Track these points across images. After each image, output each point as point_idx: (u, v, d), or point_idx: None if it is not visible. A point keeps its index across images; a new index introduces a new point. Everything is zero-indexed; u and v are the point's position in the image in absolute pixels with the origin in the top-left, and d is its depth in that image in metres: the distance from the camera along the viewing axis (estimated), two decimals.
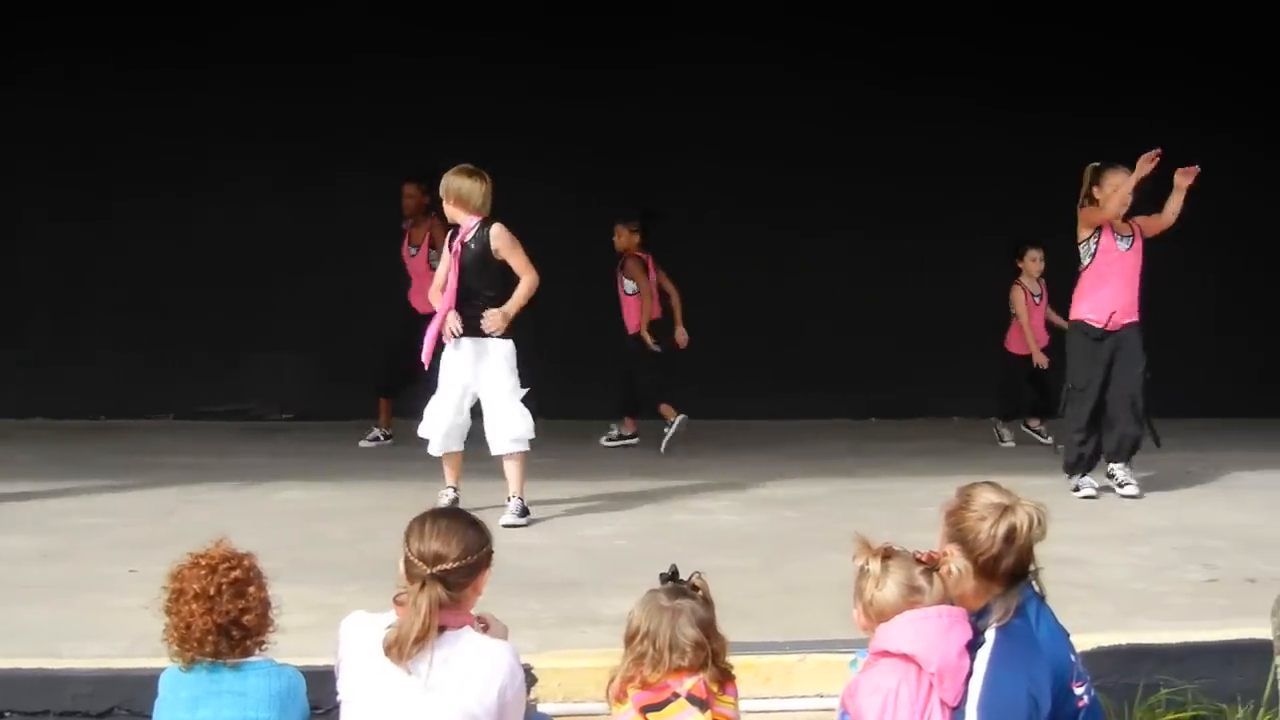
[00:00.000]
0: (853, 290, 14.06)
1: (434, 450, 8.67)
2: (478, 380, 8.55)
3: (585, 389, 12.52)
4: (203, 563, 4.03)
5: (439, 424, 8.59)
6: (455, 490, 8.65)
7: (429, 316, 8.79)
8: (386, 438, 11.78)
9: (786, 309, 14.10)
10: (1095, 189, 9.61)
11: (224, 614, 3.98)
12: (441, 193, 8.62)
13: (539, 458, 10.82)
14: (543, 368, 10.88)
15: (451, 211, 8.58)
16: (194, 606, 3.97)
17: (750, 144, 13.82)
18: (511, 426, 8.55)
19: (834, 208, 14.04)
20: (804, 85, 13.88)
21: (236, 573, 4.03)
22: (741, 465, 10.72)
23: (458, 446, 8.72)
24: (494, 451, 8.59)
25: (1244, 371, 13.65)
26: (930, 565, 4.01)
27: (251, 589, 4.04)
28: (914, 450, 11.73)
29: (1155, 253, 9.89)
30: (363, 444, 11.73)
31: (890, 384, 13.76)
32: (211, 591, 3.97)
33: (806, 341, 13.93)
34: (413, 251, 11.71)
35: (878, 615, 3.98)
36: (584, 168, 13.42)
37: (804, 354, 13.85)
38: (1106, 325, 9.62)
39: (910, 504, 7.96)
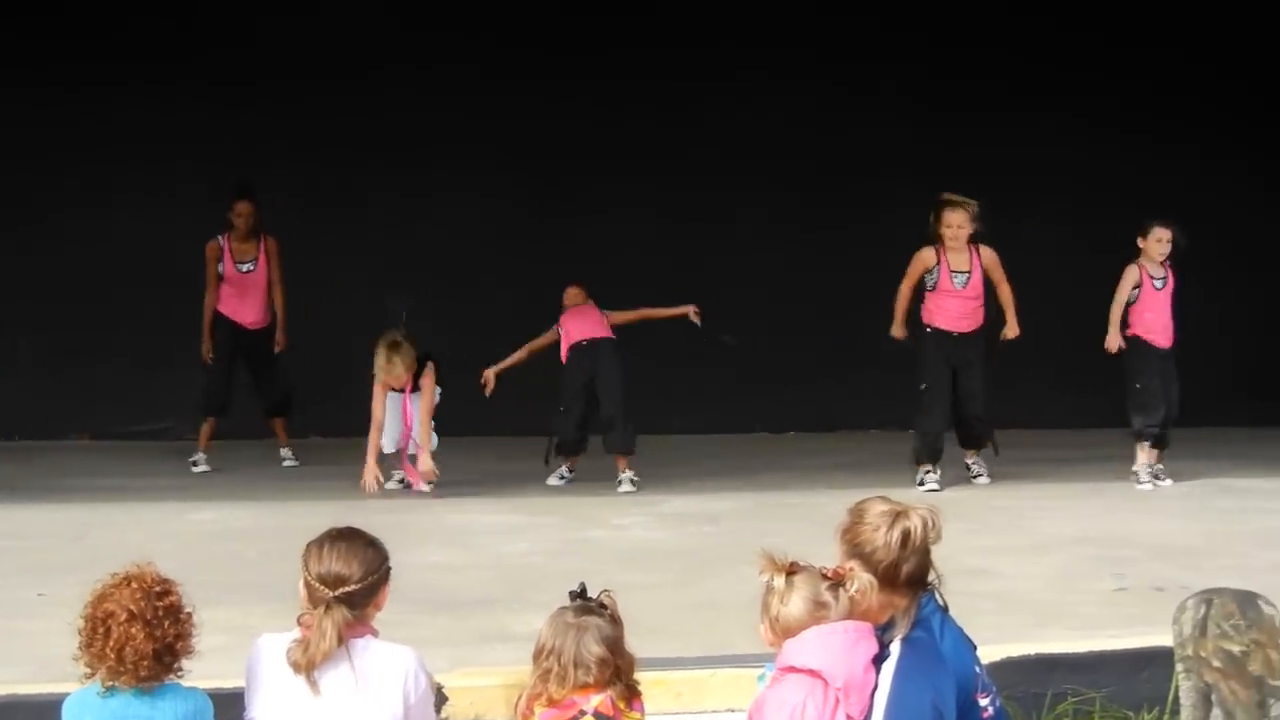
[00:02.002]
0: (771, 305, 14.12)
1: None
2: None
3: (509, 406, 12.52)
4: (135, 585, 3.96)
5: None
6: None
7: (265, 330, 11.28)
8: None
9: (707, 321, 14.11)
10: (937, 224, 10.52)
11: (161, 638, 3.93)
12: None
13: (458, 476, 10.88)
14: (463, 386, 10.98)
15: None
16: (133, 629, 3.90)
17: (673, 157, 13.86)
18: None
19: (752, 221, 14.11)
20: (722, 103, 13.96)
21: (172, 596, 3.99)
22: (658, 480, 10.71)
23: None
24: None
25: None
26: (836, 581, 4.02)
27: (184, 614, 4.01)
28: (832, 464, 11.76)
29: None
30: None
31: (809, 397, 13.81)
32: (149, 615, 3.92)
33: (725, 355, 13.95)
34: (248, 268, 11.49)
35: (784, 631, 3.99)
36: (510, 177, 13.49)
37: (722, 368, 13.88)
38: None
39: (827, 518, 7.89)
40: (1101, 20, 14.46)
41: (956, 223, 10.46)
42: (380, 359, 10.11)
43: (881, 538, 3.99)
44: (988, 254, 10.67)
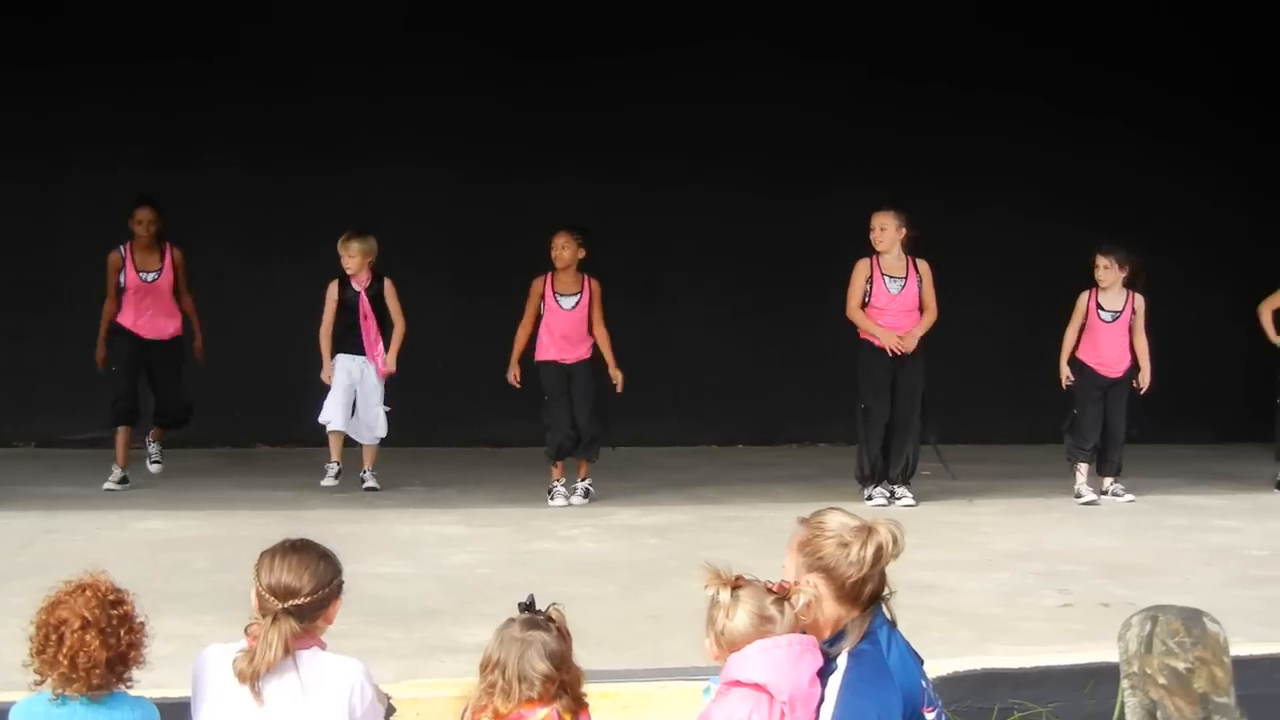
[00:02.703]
0: (722, 316, 14.16)
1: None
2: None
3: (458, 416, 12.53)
4: (90, 593, 3.93)
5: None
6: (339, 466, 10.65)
7: (169, 343, 11.12)
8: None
9: (653, 335, 14.15)
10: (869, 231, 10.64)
11: (115, 647, 3.90)
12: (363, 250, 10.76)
13: (408, 486, 10.88)
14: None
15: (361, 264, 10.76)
16: (88, 637, 3.87)
17: (624, 171, 13.89)
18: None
19: (707, 235, 14.15)
20: (681, 122, 14.00)
21: (126, 606, 3.96)
22: (606, 492, 10.72)
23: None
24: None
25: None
26: (781, 595, 4.02)
27: (136, 623, 3.98)
28: (780, 477, 11.81)
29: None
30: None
31: (757, 410, 13.85)
32: (104, 624, 3.89)
33: (674, 368, 13.97)
34: (152, 276, 11.14)
35: (729, 645, 3.99)
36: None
37: (670, 380, 13.89)
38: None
39: (773, 531, 7.92)
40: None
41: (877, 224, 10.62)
42: (341, 244, 10.77)
43: (855, 554, 3.96)
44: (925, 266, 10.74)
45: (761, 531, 8.51)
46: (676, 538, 8.94)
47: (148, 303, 11.09)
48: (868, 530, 4.01)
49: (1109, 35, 14.80)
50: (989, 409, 14.17)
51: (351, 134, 13.49)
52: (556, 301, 10.72)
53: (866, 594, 4.00)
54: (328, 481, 10.58)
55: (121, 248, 11.12)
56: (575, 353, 10.72)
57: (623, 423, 13.41)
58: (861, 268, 10.64)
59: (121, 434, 11.01)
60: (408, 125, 13.59)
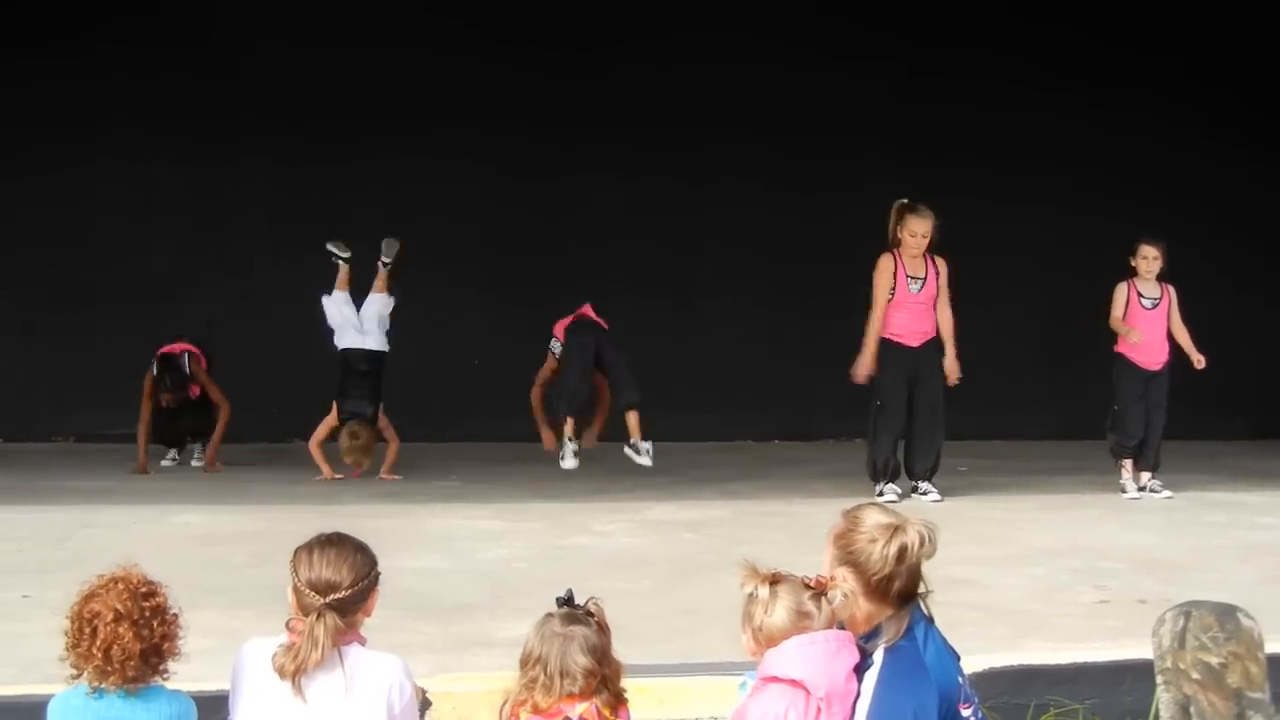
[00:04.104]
0: (756, 311, 14.16)
1: None
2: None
3: (492, 411, 12.55)
4: (122, 586, 3.95)
5: None
6: None
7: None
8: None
9: (690, 331, 14.17)
10: (898, 229, 10.50)
11: (148, 639, 3.92)
12: None
13: (442, 481, 10.91)
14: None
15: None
16: (121, 629, 3.89)
17: (656, 166, 13.90)
18: None
19: (739, 230, 14.15)
20: (713, 116, 14.00)
21: (159, 598, 3.98)
22: (642, 487, 10.75)
23: None
24: None
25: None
26: (819, 590, 4.02)
27: (170, 615, 4.00)
28: (816, 473, 11.80)
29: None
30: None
31: (793, 405, 13.85)
32: (136, 616, 3.90)
33: (710, 363, 13.99)
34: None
35: (767, 640, 3.99)
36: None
37: (704, 376, 13.91)
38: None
39: (808, 527, 7.96)
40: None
41: (922, 232, 10.53)
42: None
43: (879, 551, 3.96)
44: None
45: (797, 527, 8.52)
46: (712, 533, 8.95)
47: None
48: (895, 529, 4.00)
49: (1139, 27, 14.74)
50: (1023, 404, 14.14)
51: (382, 125, 13.54)
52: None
53: (895, 591, 3.99)
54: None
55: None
56: None
57: (657, 418, 13.47)
58: (887, 264, 10.58)
59: None
60: (437, 118, 13.62)
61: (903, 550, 3.97)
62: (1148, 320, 10.90)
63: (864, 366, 10.67)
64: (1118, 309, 10.90)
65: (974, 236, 14.02)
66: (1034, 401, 14.24)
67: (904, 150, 14.13)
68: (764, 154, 14.16)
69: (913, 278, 10.57)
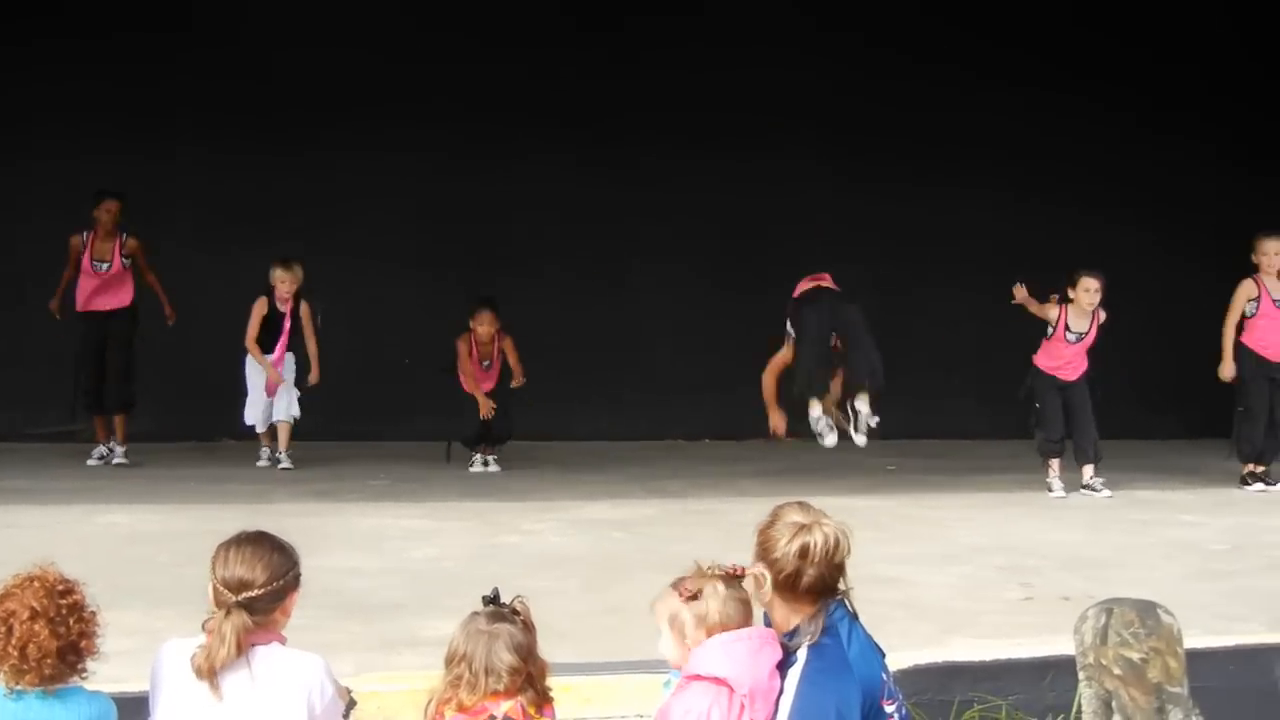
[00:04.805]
0: (690, 310, 14.18)
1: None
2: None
3: (424, 410, 12.53)
4: (38, 584, 3.92)
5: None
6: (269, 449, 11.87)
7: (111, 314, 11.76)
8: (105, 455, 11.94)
9: (624, 329, 14.18)
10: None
11: (65, 636, 3.88)
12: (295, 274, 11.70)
13: (372, 480, 10.88)
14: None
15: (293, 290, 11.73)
16: (36, 627, 3.86)
17: (592, 162, 13.92)
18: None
19: (671, 228, 14.17)
20: (640, 112, 14.00)
21: (76, 595, 3.94)
22: (572, 486, 10.76)
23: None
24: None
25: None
26: (736, 577, 4.08)
27: (87, 612, 3.97)
28: (745, 472, 11.84)
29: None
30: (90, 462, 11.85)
31: (725, 405, 13.87)
32: (53, 613, 3.87)
33: (641, 362, 14.01)
34: (105, 266, 11.79)
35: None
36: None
37: (638, 374, 13.92)
38: None
39: (739, 525, 7.90)
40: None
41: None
42: (277, 269, 11.75)
43: (782, 547, 4.02)
44: None
45: (725, 525, 8.51)
46: (640, 532, 8.95)
47: (99, 289, 11.77)
48: (803, 527, 4.04)
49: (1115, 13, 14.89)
50: (955, 403, 14.22)
51: (316, 116, 13.46)
52: (480, 366, 12.14)
53: (802, 587, 4.02)
54: (260, 463, 11.84)
55: (85, 233, 11.71)
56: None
57: (590, 417, 13.51)
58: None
59: (96, 421, 11.90)
60: (374, 108, 13.58)
61: (805, 549, 3.99)
62: (1074, 351, 11.09)
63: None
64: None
65: (916, 225, 14.17)
66: (966, 400, 14.31)
67: (841, 136, 14.25)
68: (705, 152, 14.18)
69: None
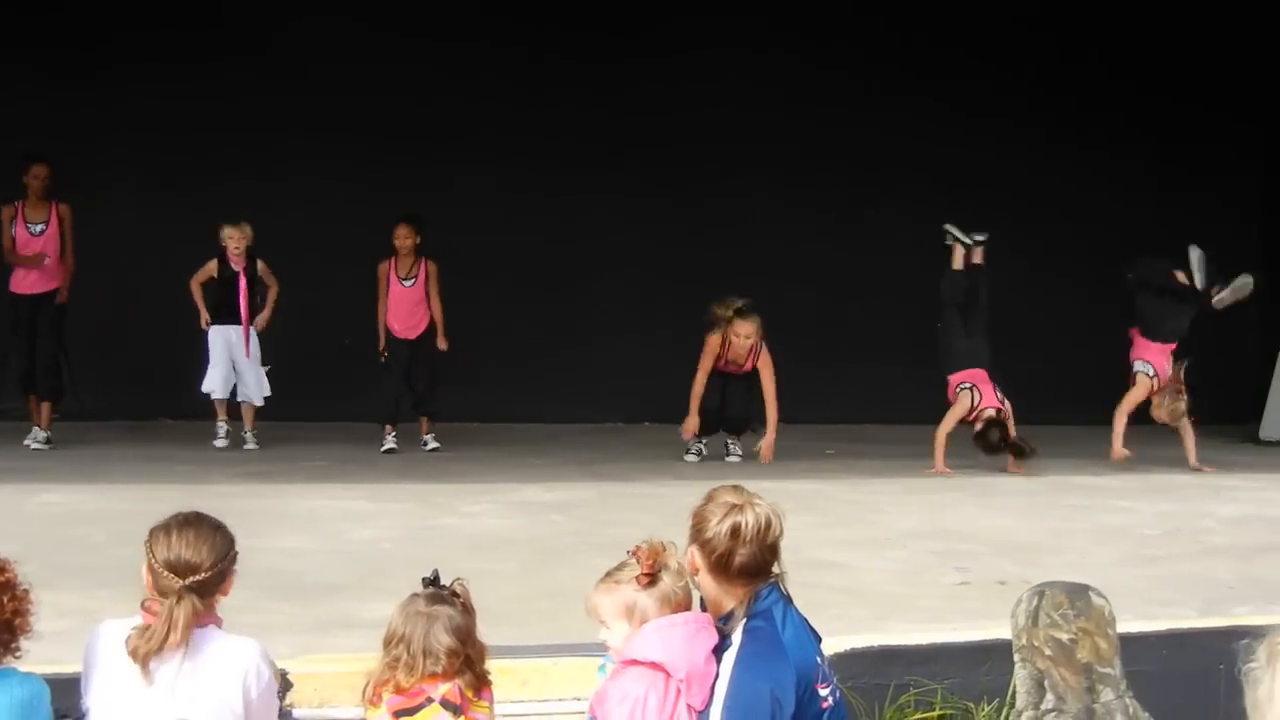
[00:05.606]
0: (627, 294, 14.20)
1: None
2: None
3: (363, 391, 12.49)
4: None
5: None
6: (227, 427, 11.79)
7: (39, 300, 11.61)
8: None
9: (562, 313, 14.18)
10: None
11: None
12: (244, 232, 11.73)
13: (311, 461, 10.85)
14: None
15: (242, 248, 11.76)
16: None
17: (529, 149, 13.91)
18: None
19: (611, 213, 14.18)
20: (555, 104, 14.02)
21: (8, 573, 3.91)
22: (511, 468, 10.76)
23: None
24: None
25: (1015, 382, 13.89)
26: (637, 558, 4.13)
27: (20, 590, 3.93)
28: (683, 455, 11.85)
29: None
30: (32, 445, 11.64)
31: (663, 388, 13.87)
32: None
33: (580, 346, 14.01)
34: (40, 228, 11.68)
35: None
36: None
37: (578, 357, 13.93)
38: None
39: (677, 509, 7.90)
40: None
41: (744, 333, 11.48)
42: (225, 230, 11.73)
43: (713, 526, 4.04)
44: None
45: (663, 509, 8.51)
46: (579, 514, 8.95)
47: (29, 272, 11.66)
48: (735, 507, 4.06)
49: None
50: (892, 389, 14.28)
51: (256, 103, 13.40)
52: (401, 283, 12.10)
53: (734, 568, 4.04)
54: (218, 442, 11.70)
55: (16, 202, 11.64)
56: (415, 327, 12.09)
57: (530, 400, 13.50)
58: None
59: (31, 400, 11.73)
60: (308, 94, 13.54)
61: (736, 528, 4.01)
62: None
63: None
64: None
65: (847, 218, 14.24)
66: (903, 386, 14.37)
67: (768, 150, 14.32)
68: (642, 143, 14.21)
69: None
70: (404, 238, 12.02)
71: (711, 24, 14.39)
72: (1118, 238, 14.66)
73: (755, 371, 11.70)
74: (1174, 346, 12.00)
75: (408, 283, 12.09)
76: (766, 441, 11.54)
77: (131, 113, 13.23)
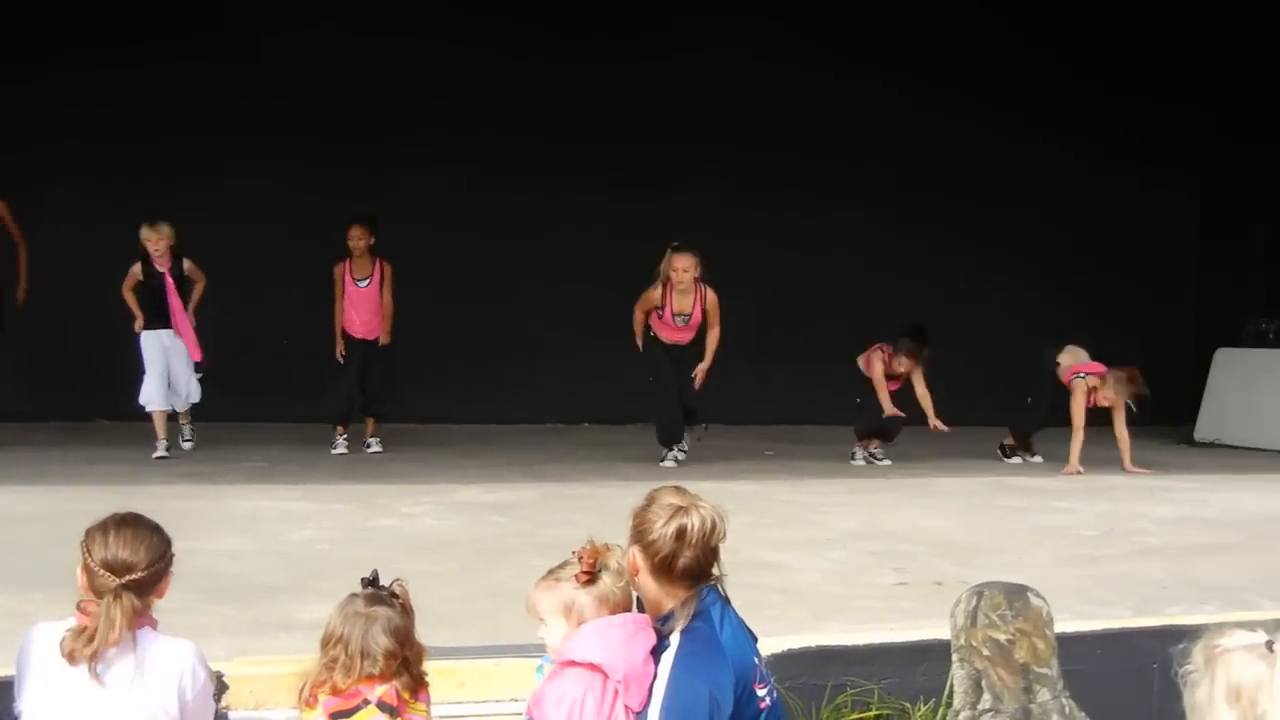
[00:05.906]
0: (568, 294, 14.19)
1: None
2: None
3: (302, 391, 12.45)
4: None
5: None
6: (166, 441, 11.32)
7: None
8: None
9: (502, 314, 14.16)
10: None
11: None
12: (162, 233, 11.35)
13: (250, 461, 10.79)
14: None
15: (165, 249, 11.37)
16: None
17: (471, 147, 13.90)
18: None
19: (549, 213, 14.17)
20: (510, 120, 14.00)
21: None
22: (451, 469, 10.74)
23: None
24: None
25: (953, 383, 13.90)
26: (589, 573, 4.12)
27: None
28: (624, 456, 11.88)
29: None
30: None
31: (603, 389, 13.90)
32: None
33: (520, 347, 14.00)
34: None
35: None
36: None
37: (519, 359, 13.92)
38: None
39: (617, 510, 7.89)
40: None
41: (683, 265, 11.32)
42: (145, 229, 11.38)
43: (658, 528, 4.04)
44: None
45: (604, 510, 8.51)
46: (519, 515, 8.93)
47: None
48: (679, 509, 4.06)
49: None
50: (829, 390, 14.32)
51: (204, 108, 13.33)
52: (356, 284, 12.06)
53: (678, 570, 4.04)
54: (156, 455, 11.20)
55: None
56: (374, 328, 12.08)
57: (471, 401, 13.48)
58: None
59: None
60: (249, 97, 13.47)
61: (681, 531, 4.02)
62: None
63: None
64: None
65: (791, 222, 14.26)
66: (842, 386, 14.41)
67: (719, 148, 14.33)
68: (580, 141, 14.20)
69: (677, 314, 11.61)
70: (357, 239, 11.95)
71: (671, 25, 14.41)
72: (1069, 238, 14.83)
73: (702, 339, 11.73)
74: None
75: (363, 283, 12.02)
76: (701, 368, 11.66)
77: (68, 120, 13.13)
